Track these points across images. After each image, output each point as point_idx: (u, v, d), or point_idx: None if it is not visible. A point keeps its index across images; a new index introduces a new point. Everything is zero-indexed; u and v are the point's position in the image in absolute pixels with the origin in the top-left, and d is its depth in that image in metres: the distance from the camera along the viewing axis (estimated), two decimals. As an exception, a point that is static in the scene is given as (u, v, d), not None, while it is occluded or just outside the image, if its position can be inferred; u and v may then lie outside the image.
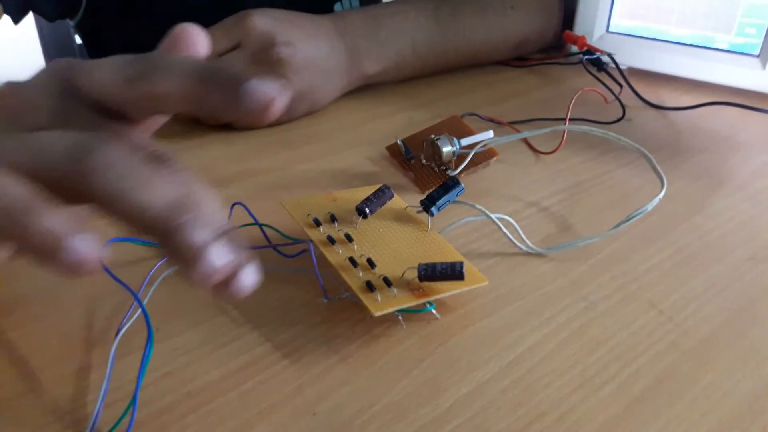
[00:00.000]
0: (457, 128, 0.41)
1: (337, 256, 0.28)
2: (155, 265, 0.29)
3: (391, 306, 0.26)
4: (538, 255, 0.32)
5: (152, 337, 0.23)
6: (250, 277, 0.20)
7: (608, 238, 0.33)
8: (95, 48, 0.66)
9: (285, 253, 0.31)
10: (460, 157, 0.38)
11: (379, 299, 0.26)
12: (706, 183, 0.40)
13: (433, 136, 0.39)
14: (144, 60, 0.23)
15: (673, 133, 0.48)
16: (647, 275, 0.31)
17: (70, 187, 0.20)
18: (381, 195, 0.31)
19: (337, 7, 0.57)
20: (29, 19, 0.80)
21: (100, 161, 0.20)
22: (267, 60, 0.43)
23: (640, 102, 0.53)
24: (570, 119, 0.45)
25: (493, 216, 0.31)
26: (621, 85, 0.53)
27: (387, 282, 0.27)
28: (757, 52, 0.54)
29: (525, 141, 0.44)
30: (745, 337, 0.27)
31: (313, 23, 0.47)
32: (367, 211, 0.31)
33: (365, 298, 0.26)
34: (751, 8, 0.54)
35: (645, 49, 0.59)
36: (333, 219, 0.31)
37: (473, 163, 0.38)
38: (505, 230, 0.32)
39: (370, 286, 0.27)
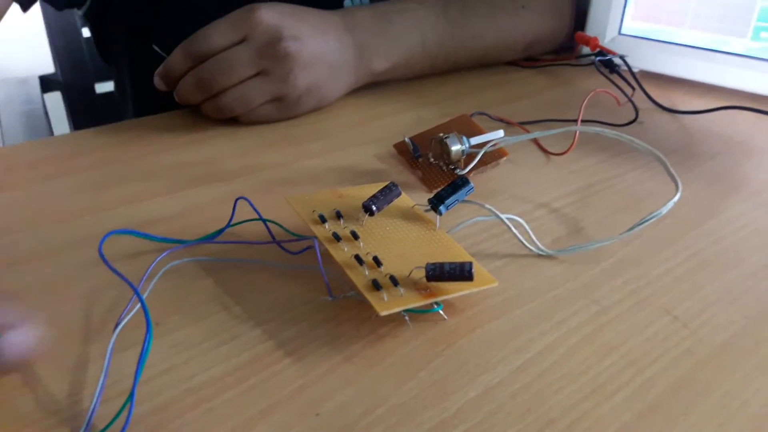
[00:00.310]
0: (466, 127, 0.40)
1: (342, 253, 0.28)
2: (156, 259, 0.29)
3: (398, 305, 0.25)
4: (549, 257, 0.31)
5: (151, 331, 0.23)
6: None
7: (621, 241, 0.32)
8: (102, 39, 0.66)
9: (289, 250, 0.30)
10: (469, 157, 0.37)
11: (386, 298, 0.25)
12: (720, 188, 0.39)
13: (441, 134, 0.38)
14: None
15: (686, 137, 0.47)
16: (661, 280, 0.30)
17: None
18: (388, 192, 0.30)
19: (346, 3, 0.56)
20: (36, 10, 0.79)
21: None
22: (273, 54, 0.42)
23: (652, 105, 0.52)
24: (581, 121, 0.45)
25: (503, 216, 0.31)
26: (633, 88, 0.52)
27: (393, 281, 0.26)
28: (772, 57, 0.53)
29: (535, 142, 0.43)
30: (763, 345, 0.26)
31: (321, 18, 0.46)
32: (374, 208, 0.30)
33: (371, 297, 0.25)
34: (766, 12, 0.53)
35: (657, 51, 0.58)
36: (339, 216, 0.30)
37: (482, 163, 0.37)
38: (515, 231, 0.31)
39: (376, 285, 0.26)
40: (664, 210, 0.32)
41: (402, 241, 0.29)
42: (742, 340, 0.27)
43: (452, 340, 0.26)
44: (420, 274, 0.27)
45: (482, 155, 0.37)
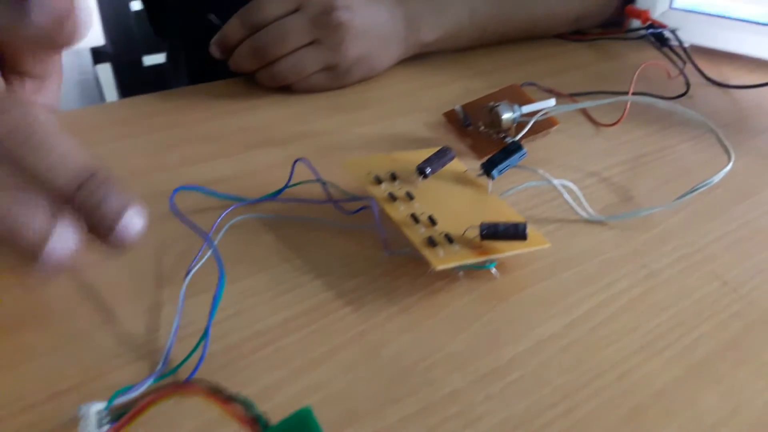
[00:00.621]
0: (516, 96, 0.40)
1: (398, 212, 0.29)
2: (221, 214, 0.30)
3: (453, 261, 0.26)
4: (599, 223, 0.32)
5: (224, 275, 0.24)
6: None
7: (671, 209, 0.33)
8: (156, 12, 0.68)
9: (345, 210, 0.32)
10: (519, 125, 0.38)
11: (441, 254, 0.26)
12: (772, 161, 0.39)
13: (492, 102, 0.39)
14: None
15: (737, 111, 0.47)
16: (711, 247, 0.31)
17: None
18: (442, 155, 0.31)
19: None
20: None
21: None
22: (326, 23, 0.43)
23: (702, 80, 0.51)
24: (632, 93, 0.45)
25: (555, 182, 0.31)
26: (684, 61, 0.51)
27: (448, 238, 0.27)
28: (830, 32, 0.52)
29: (585, 113, 0.44)
30: (812, 310, 0.27)
31: (373, -11, 0.47)
32: (428, 170, 0.31)
33: (427, 253, 0.26)
34: (826, -14, 0.52)
35: (708, 25, 0.57)
36: (394, 178, 0.31)
37: (533, 132, 0.38)
38: (567, 196, 0.32)
39: (431, 242, 0.27)
40: (716, 179, 0.32)
41: (455, 203, 0.30)
42: (792, 304, 0.27)
43: (504, 297, 0.27)
44: (474, 233, 0.27)
45: (533, 124, 0.37)
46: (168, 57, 0.75)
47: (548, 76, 0.50)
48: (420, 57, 0.53)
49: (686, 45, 0.54)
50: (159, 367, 0.23)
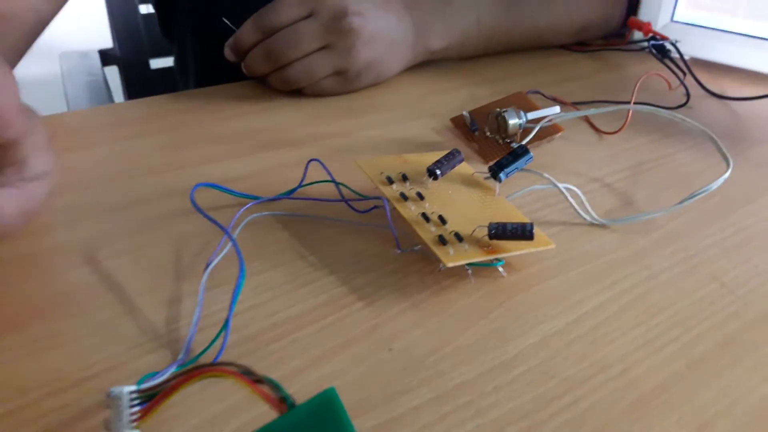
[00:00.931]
0: (522, 103, 0.42)
1: (409, 211, 0.30)
2: (238, 212, 0.31)
3: (463, 259, 0.27)
4: (602, 226, 0.33)
5: (244, 267, 0.25)
6: None
7: (671, 214, 0.34)
8: (166, 16, 0.69)
9: (357, 209, 0.33)
10: (525, 131, 0.39)
11: (451, 252, 0.27)
12: (769, 170, 0.40)
13: (499, 108, 0.40)
14: None
15: (735, 122, 0.48)
16: (709, 251, 0.32)
17: None
18: (451, 158, 0.32)
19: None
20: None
21: None
22: (338, 29, 0.44)
23: (701, 91, 0.53)
24: (633, 103, 0.46)
25: (560, 185, 0.32)
26: (684, 73, 0.53)
27: (458, 237, 0.28)
28: (826, 47, 0.53)
29: (588, 121, 0.45)
30: (807, 312, 0.28)
31: (383, -4, 0.48)
32: (438, 172, 0.32)
33: (438, 250, 0.27)
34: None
35: (708, 39, 0.59)
36: (404, 178, 0.32)
37: (538, 138, 0.39)
38: (571, 200, 0.33)
39: (442, 240, 0.28)
40: (714, 186, 0.34)
41: (464, 204, 0.31)
42: (787, 306, 0.28)
43: (511, 295, 0.28)
44: (482, 233, 0.29)
45: (538, 130, 0.38)
46: (176, 60, 0.76)
47: (552, 85, 0.51)
48: (427, 64, 0.54)
49: (686, 57, 0.56)
50: (181, 356, 0.24)
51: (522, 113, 0.39)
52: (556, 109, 0.39)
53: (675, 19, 0.61)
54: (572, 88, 0.52)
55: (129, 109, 0.48)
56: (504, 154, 0.34)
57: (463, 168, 0.34)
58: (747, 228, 0.34)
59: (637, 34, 0.61)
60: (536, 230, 0.28)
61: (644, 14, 0.61)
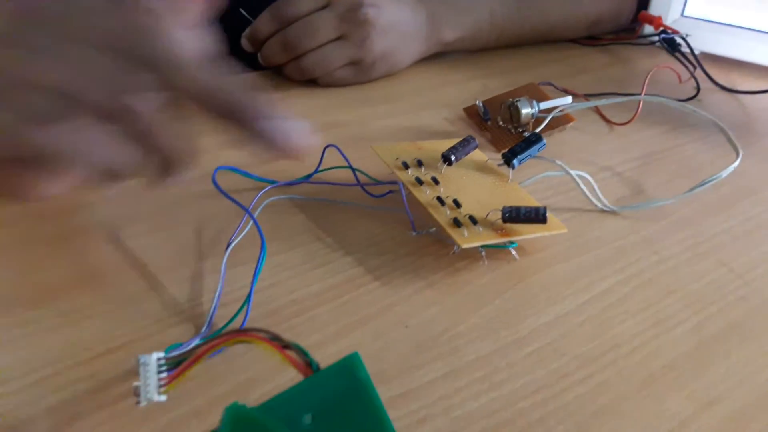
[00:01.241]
0: (534, 94, 0.42)
1: (425, 195, 0.31)
2: (257, 195, 0.32)
3: (477, 240, 0.28)
4: (613, 213, 0.34)
5: (265, 245, 0.26)
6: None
7: (681, 201, 0.34)
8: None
9: (372, 193, 0.33)
10: (537, 121, 0.40)
11: (466, 234, 0.28)
12: (778, 162, 0.41)
13: (512, 98, 0.40)
14: None
15: (745, 115, 0.48)
16: (718, 238, 0.32)
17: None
18: (466, 144, 0.33)
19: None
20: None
21: None
22: (354, 19, 0.45)
23: (711, 85, 0.53)
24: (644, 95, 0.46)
25: (572, 172, 0.33)
26: (694, 66, 0.53)
27: (473, 220, 0.29)
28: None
29: (599, 112, 0.45)
30: (814, 296, 0.28)
31: (397, -12, 0.49)
32: (453, 158, 0.32)
33: (453, 232, 0.28)
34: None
35: (719, 34, 0.59)
36: (419, 164, 0.33)
37: (550, 127, 0.40)
38: (582, 187, 0.33)
39: (457, 222, 0.29)
40: (724, 174, 0.34)
41: (478, 189, 0.32)
42: (795, 290, 0.29)
43: (523, 277, 0.29)
44: (496, 217, 0.29)
45: (550, 119, 0.39)
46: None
47: (563, 77, 0.52)
48: (440, 56, 0.55)
49: (696, 52, 0.56)
50: (204, 329, 0.25)
51: (534, 103, 0.39)
52: (568, 99, 0.40)
53: (685, 14, 0.61)
54: (583, 80, 0.52)
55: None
56: (516, 143, 0.34)
57: (477, 155, 0.35)
58: (755, 216, 0.34)
59: (648, 29, 0.61)
60: (549, 214, 0.29)
61: (655, 9, 0.62)
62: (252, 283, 0.25)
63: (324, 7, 0.45)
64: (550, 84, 0.47)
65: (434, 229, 0.30)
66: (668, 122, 0.45)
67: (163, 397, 0.19)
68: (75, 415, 0.21)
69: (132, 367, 0.22)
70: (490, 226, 0.29)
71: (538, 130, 0.39)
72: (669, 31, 0.56)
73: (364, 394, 0.17)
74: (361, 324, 0.26)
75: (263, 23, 0.46)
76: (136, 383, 0.20)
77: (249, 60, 0.48)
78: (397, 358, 0.24)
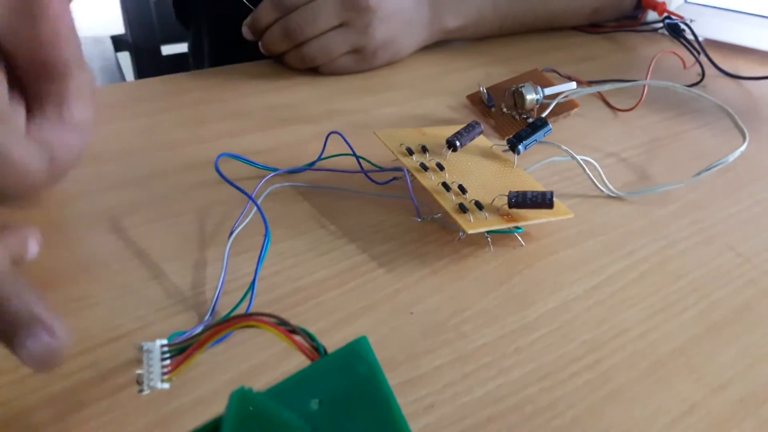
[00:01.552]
0: (538, 80, 0.42)
1: (430, 181, 0.30)
2: (260, 182, 0.31)
3: (483, 226, 0.28)
4: (619, 198, 0.33)
5: (269, 231, 0.26)
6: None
7: (688, 186, 0.34)
8: (182, 1, 0.69)
9: (376, 180, 0.33)
10: (541, 107, 0.39)
11: (471, 220, 0.28)
12: (784, 147, 0.40)
13: (515, 85, 0.40)
14: None
15: (750, 101, 0.48)
16: (725, 222, 0.32)
17: None
18: (471, 129, 0.33)
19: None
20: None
21: None
22: (356, 6, 0.45)
23: (715, 71, 0.52)
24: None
25: (578, 157, 0.33)
26: (699, 52, 0.53)
27: (478, 206, 0.29)
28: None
29: (603, 99, 0.45)
30: (824, 280, 0.28)
31: (399, -25, 0.48)
32: (458, 143, 0.32)
33: (459, 218, 0.28)
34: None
35: (722, 20, 0.58)
36: (424, 150, 0.32)
37: (554, 113, 0.39)
38: (588, 172, 0.33)
39: (462, 208, 0.28)
40: (731, 158, 0.34)
41: (483, 175, 0.32)
42: (804, 274, 0.28)
43: (530, 263, 0.29)
44: (502, 202, 0.29)
45: (555, 105, 0.39)
46: (190, 44, 0.76)
47: (566, 64, 0.51)
48: (443, 44, 0.54)
49: (700, 39, 0.56)
50: (207, 316, 0.25)
51: (539, 89, 0.39)
52: (573, 85, 0.39)
53: (689, 0, 0.61)
54: (586, 67, 0.52)
55: (148, 86, 0.48)
56: (520, 129, 0.34)
57: (481, 141, 0.34)
58: (763, 200, 0.34)
59: (651, 15, 0.61)
60: (555, 200, 0.29)
61: (658, -5, 0.61)
62: (256, 270, 0.25)
63: (325, -5, 0.45)
64: (553, 71, 0.47)
65: (439, 215, 0.30)
66: (673, 108, 0.45)
67: (166, 385, 0.18)
68: (78, 403, 0.21)
69: (135, 356, 0.21)
70: (496, 211, 0.29)
71: (543, 115, 0.38)
72: (673, 16, 0.56)
73: (372, 379, 0.17)
74: (367, 311, 0.25)
75: (264, 11, 0.45)
76: (139, 371, 0.20)
77: (249, 52, 0.48)
78: (403, 345, 0.24)
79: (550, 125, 0.33)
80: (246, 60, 0.50)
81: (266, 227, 0.26)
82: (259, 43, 0.47)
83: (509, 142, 0.33)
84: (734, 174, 0.36)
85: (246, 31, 0.47)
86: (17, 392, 0.21)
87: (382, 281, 0.27)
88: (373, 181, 0.33)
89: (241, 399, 0.16)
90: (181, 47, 0.92)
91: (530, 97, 0.39)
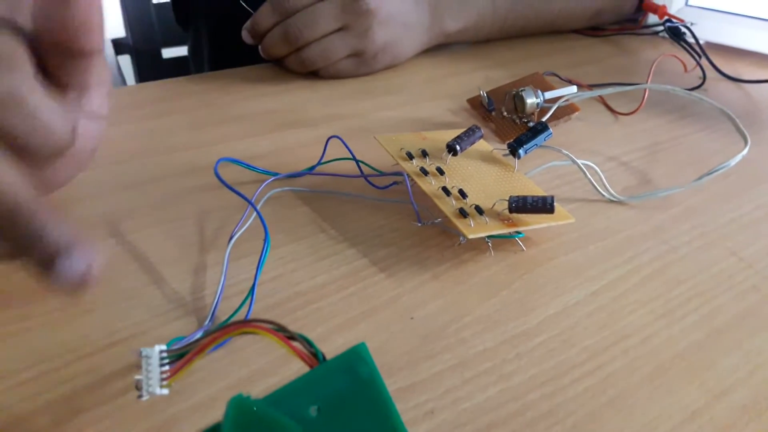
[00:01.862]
0: (538, 84, 0.42)
1: (430, 185, 0.30)
2: (259, 187, 0.31)
3: (483, 231, 0.27)
4: (620, 203, 0.33)
5: (269, 235, 0.25)
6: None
7: (689, 190, 0.34)
8: (181, 4, 0.69)
9: (376, 185, 0.33)
10: (542, 111, 0.39)
11: (472, 224, 0.28)
12: (786, 151, 0.40)
13: (515, 88, 0.40)
14: None
15: (751, 104, 0.48)
16: (727, 227, 0.32)
17: None
18: (471, 134, 0.33)
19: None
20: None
21: None
22: (355, 10, 0.45)
23: (716, 74, 0.52)
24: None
25: (579, 162, 0.33)
26: (699, 55, 0.53)
27: (479, 210, 0.28)
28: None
29: (604, 103, 0.45)
30: (826, 285, 0.28)
31: (399, -21, 0.48)
32: (458, 148, 0.32)
33: (459, 223, 0.28)
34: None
35: (723, 23, 0.58)
36: (424, 154, 0.32)
37: (555, 117, 0.39)
38: (589, 177, 0.33)
39: (462, 213, 0.28)
40: (733, 162, 0.34)
41: (484, 179, 0.32)
42: (806, 279, 0.28)
43: (531, 268, 0.28)
44: (503, 206, 0.29)
45: (555, 109, 0.38)
46: (190, 48, 0.76)
47: (566, 68, 0.51)
48: (443, 48, 0.54)
49: (701, 42, 0.56)
50: (207, 322, 0.24)
51: (539, 92, 0.39)
52: (573, 88, 0.39)
53: (690, 2, 0.61)
54: (587, 71, 0.52)
55: (148, 90, 0.48)
56: (521, 133, 0.34)
57: (482, 145, 0.34)
58: (765, 205, 0.34)
59: (651, 19, 0.61)
60: (556, 204, 0.29)
61: (659, -1, 0.61)
62: (255, 275, 0.25)
63: (325, -1, 0.45)
64: (554, 74, 0.47)
65: (439, 220, 0.29)
66: (674, 111, 0.44)
67: (165, 391, 0.18)
68: (76, 410, 0.21)
69: (133, 362, 0.21)
70: (497, 216, 0.29)
71: (543, 119, 0.38)
72: (674, 19, 0.56)
73: (371, 385, 0.16)
74: (367, 316, 0.25)
75: (264, 15, 0.45)
76: (137, 377, 0.20)
77: (248, 56, 0.48)
78: (403, 350, 0.24)
79: (551, 129, 0.32)
80: (246, 63, 0.50)
81: (266, 232, 0.26)
82: (259, 47, 0.47)
83: (510, 146, 0.33)
84: (736, 178, 0.36)
85: (246, 35, 0.46)
86: (15, 398, 0.21)
87: (382, 286, 0.27)
88: (373, 185, 0.33)
89: (240, 406, 0.16)
90: (182, 50, 0.92)
91: (531, 100, 0.38)
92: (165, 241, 0.29)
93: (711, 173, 0.33)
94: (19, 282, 0.26)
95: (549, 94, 0.39)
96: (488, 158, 0.33)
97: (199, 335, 0.23)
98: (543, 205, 0.28)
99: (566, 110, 0.40)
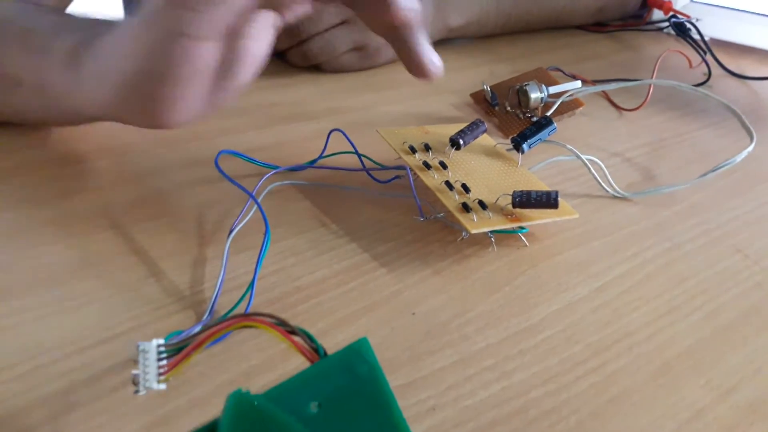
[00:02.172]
0: (542, 78, 0.41)
1: (433, 179, 0.30)
2: (260, 180, 0.31)
3: (486, 226, 0.27)
4: (624, 199, 0.33)
5: (269, 230, 0.25)
6: None
7: (694, 187, 0.34)
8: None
9: (378, 179, 0.33)
10: (546, 105, 0.39)
11: (475, 219, 0.27)
12: (791, 148, 0.40)
13: (519, 83, 0.39)
14: None
15: (756, 101, 0.47)
16: (732, 223, 0.31)
17: None
18: (474, 128, 0.32)
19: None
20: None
21: None
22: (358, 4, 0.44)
23: (721, 71, 0.52)
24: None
25: (583, 157, 0.32)
26: (705, 51, 0.52)
27: (482, 205, 0.28)
28: None
29: (608, 98, 0.45)
30: (833, 283, 0.28)
31: (402, -28, 0.48)
32: (461, 142, 0.32)
33: (462, 218, 0.27)
34: None
35: (729, 19, 0.58)
36: (427, 148, 0.32)
37: (559, 112, 0.39)
38: (593, 172, 0.33)
39: (465, 207, 0.28)
40: (738, 159, 0.33)
41: (487, 174, 0.31)
42: (813, 277, 0.28)
43: (534, 263, 0.28)
44: (506, 201, 0.28)
45: (559, 104, 0.38)
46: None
47: (570, 64, 0.51)
48: (446, 42, 0.54)
49: (706, 38, 0.55)
50: (205, 316, 0.24)
51: (543, 87, 0.38)
52: (578, 83, 0.39)
53: (695, -1, 0.60)
54: (591, 66, 0.52)
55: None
56: (524, 128, 0.33)
57: (485, 140, 0.34)
58: (771, 202, 0.33)
59: (656, 15, 0.60)
60: (560, 199, 0.28)
61: (664, -6, 0.61)
62: (255, 269, 0.25)
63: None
64: (558, 69, 0.47)
65: (442, 214, 0.29)
66: (679, 107, 0.44)
67: (162, 386, 0.18)
68: (72, 404, 0.21)
69: (131, 356, 0.21)
70: (500, 211, 0.28)
71: (547, 114, 0.38)
72: (679, 15, 0.55)
73: (373, 381, 0.16)
74: (368, 311, 0.25)
75: (266, 8, 0.45)
76: (135, 371, 0.19)
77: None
78: (405, 346, 0.23)
79: (555, 124, 0.32)
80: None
81: (266, 225, 0.26)
82: (261, 40, 0.46)
83: (513, 140, 0.32)
84: (741, 175, 0.35)
85: (248, 28, 0.46)
86: (10, 392, 0.21)
87: (384, 281, 0.26)
88: (375, 179, 0.33)
89: (239, 401, 0.16)
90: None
91: (535, 95, 0.38)
92: (164, 234, 0.29)
93: (716, 170, 0.33)
94: (17, 274, 0.25)
95: (553, 89, 0.39)
96: (492, 153, 0.33)
97: (197, 329, 0.23)
98: (547, 200, 0.28)
99: (570, 105, 0.40)
